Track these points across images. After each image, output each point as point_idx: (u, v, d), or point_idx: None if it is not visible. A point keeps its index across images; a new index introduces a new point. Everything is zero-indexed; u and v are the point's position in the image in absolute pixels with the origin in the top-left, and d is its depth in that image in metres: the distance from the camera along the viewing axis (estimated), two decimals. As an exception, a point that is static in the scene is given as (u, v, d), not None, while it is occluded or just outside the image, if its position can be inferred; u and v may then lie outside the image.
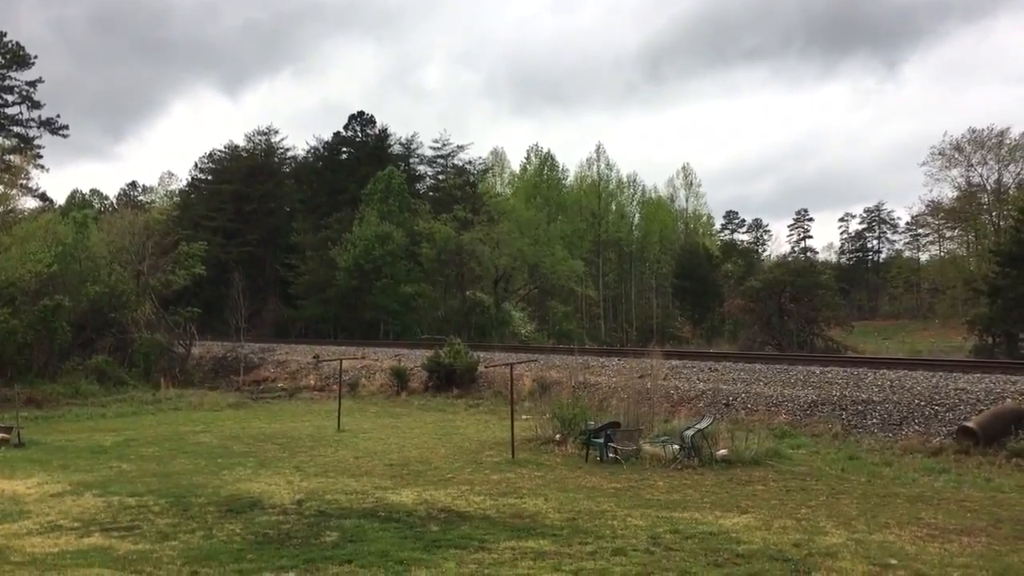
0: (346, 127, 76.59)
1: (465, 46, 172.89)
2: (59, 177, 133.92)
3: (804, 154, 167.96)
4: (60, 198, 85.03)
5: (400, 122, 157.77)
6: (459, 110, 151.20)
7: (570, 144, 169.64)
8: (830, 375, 23.19)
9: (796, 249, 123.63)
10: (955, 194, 77.64)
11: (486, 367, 30.90)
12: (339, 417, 23.27)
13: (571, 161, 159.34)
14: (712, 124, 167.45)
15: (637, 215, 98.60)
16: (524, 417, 20.80)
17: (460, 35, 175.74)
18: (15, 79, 67.89)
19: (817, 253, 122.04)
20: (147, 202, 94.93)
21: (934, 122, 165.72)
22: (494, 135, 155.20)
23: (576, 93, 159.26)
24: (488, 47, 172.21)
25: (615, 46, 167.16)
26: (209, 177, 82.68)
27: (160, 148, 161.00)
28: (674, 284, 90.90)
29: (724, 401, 22.67)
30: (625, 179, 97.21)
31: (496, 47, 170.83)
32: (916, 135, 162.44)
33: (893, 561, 8.82)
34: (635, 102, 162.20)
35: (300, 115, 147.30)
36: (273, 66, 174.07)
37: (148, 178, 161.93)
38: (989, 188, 75.83)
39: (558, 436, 18.25)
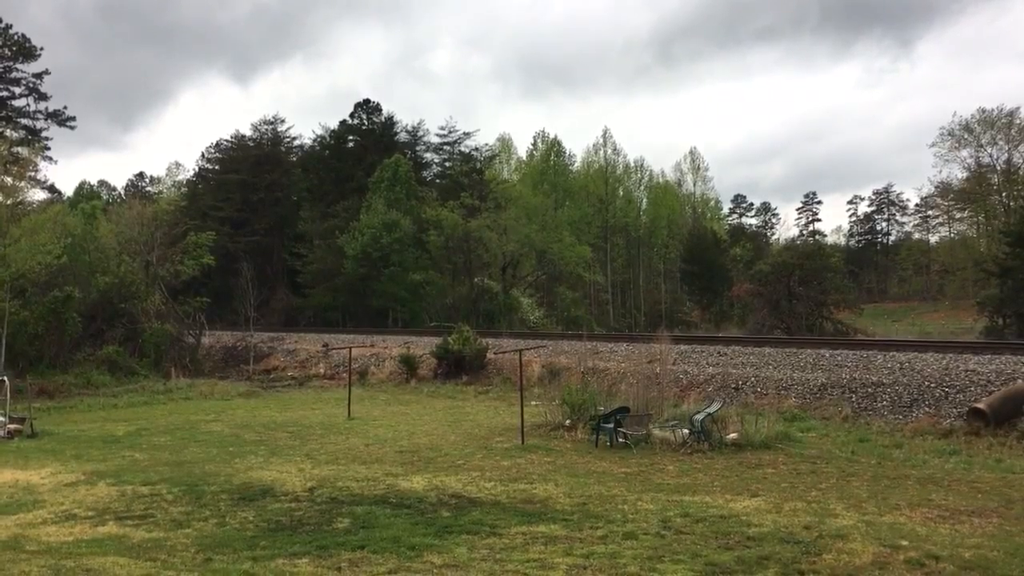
0: (352, 115, 76.56)
1: (474, 29, 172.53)
2: (68, 168, 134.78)
3: (815, 136, 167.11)
4: (69, 189, 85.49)
5: (409, 107, 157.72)
6: (468, 94, 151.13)
7: (578, 128, 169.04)
8: (839, 358, 23.17)
9: (804, 232, 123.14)
10: (965, 175, 77.33)
11: (495, 353, 30.96)
12: (349, 405, 23.36)
13: (580, 145, 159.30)
14: (723, 106, 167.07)
15: (644, 200, 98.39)
16: (533, 403, 20.87)
17: (469, 18, 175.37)
18: (22, 71, 68.00)
19: (826, 236, 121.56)
20: (155, 193, 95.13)
21: (948, 101, 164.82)
22: (502, 119, 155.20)
23: (585, 76, 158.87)
24: (497, 30, 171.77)
25: (626, 28, 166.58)
26: (216, 167, 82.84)
27: (170, 137, 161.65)
28: (682, 269, 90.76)
29: (733, 385, 22.66)
30: (632, 164, 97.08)
31: (505, 30, 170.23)
32: (930, 115, 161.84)
33: (904, 543, 8.82)
34: (645, 85, 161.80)
35: (310, 102, 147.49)
36: (283, 52, 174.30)
37: (158, 168, 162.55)
38: (999, 168, 75.41)
39: (568, 422, 18.29)
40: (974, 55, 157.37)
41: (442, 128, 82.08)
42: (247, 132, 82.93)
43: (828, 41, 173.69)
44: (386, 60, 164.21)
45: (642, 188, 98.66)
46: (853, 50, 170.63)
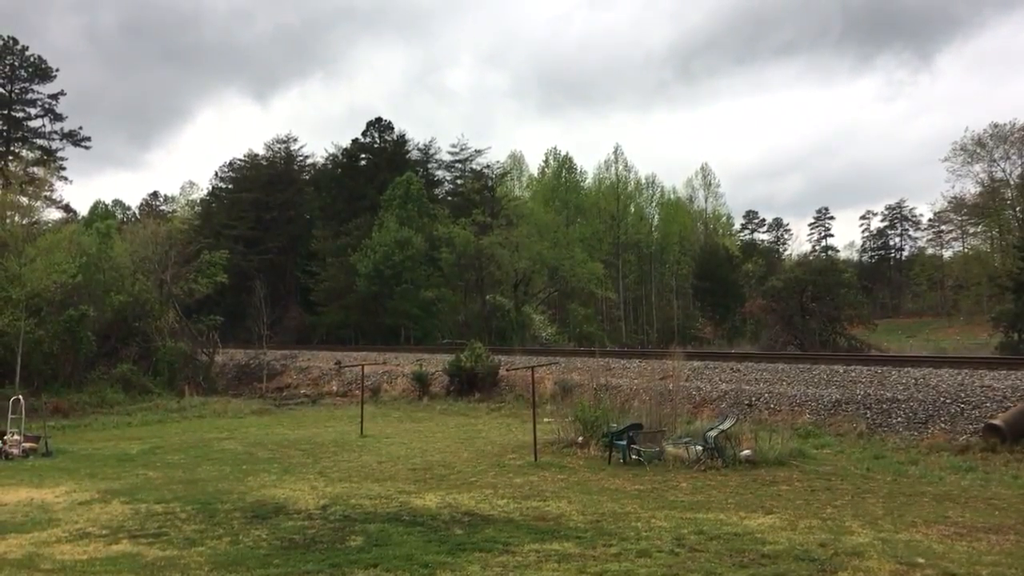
0: (364, 133, 76.97)
1: (494, 45, 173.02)
2: (86, 187, 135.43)
3: (833, 151, 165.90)
4: (87, 208, 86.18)
5: (426, 124, 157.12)
6: (485, 111, 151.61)
7: (595, 144, 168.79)
8: (854, 374, 23.03)
9: (817, 248, 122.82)
10: (978, 190, 77.01)
11: (507, 370, 30.91)
12: (362, 422, 23.36)
13: (598, 161, 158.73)
14: (742, 122, 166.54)
15: (656, 216, 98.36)
16: (546, 420, 20.84)
17: (489, 34, 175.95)
18: (38, 92, 68.85)
19: (838, 251, 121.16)
20: (169, 212, 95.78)
21: (968, 116, 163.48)
22: (519, 136, 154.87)
23: (604, 93, 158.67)
24: (517, 46, 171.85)
25: (647, 44, 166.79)
26: (230, 186, 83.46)
27: (188, 156, 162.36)
28: (694, 285, 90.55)
29: (747, 401, 22.57)
30: (644, 180, 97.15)
31: (525, 46, 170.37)
32: (949, 129, 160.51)
33: (920, 560, 8.75)
34: (663, 101, 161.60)
35: (329, 119, 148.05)
36: (303, 70, 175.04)
37: (176, 186, 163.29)
38: (1012, 183, 75.05)
39: (580, 438, 18.24)
40: (995, 69, 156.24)
41: (454, 146, 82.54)
42: (261, 151, 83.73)
43: (849, 55, 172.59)
44: (405, 77, 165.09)
45: (654, 204, 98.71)
46: (873, 64, 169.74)
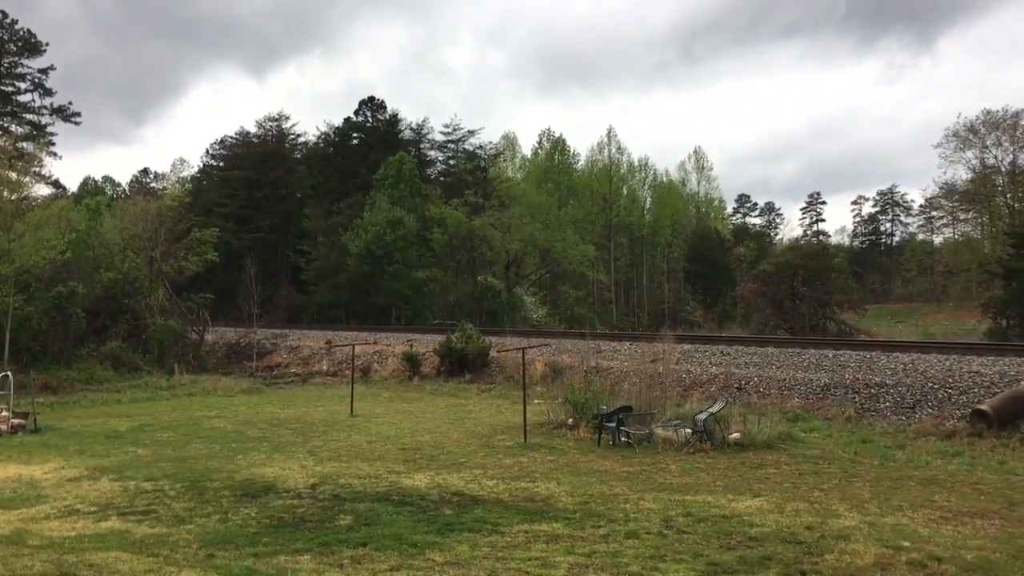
0: (357, 112, 76.66)
1: (495, 23, 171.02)
2: (78, 163, 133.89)
3: (832, 135, 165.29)
4: (76, 185, 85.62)
5: (424, 103, 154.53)
6: (484, 91, 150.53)
7: (593, 126, 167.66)
8: (843, 358, 23.14)
9: (808, 232, 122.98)
10: (970, 176, 77.24)
11: (498, 352, 30.94)
12: (352, 402, 23.36)
13: (596, 142, 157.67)
14: (741, 105, 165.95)
15: (648, 199, 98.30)
16: (536, 401, 20.88)
17: (490, 11, 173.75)
18: (27, 66, 68.21)
19: (829, 236, 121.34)
20: (159, 189, 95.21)
21: (969, 100, 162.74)
22: (518, 116, 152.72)
23: (604, 73, 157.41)
24: (518, 24, 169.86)
25: (648, 23, 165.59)
26: (220, 163, 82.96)
27: (183, 131, 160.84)
28: (686, 268, 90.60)
29: (736, 385, 22.64)
30: (636, 163, 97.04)
31: (527, 24, 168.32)
32: (949, 114, 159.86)
33: (906, 544, 8.81)
34: (664, 82, 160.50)
35: (327, 97, 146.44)
36: (301, 46, 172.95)
37: (170, 162, 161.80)
38: (1004, 170, 75.36)
39: (570, 420, 18.29)
40: (997, 54, 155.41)
41: (447, 126, 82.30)
42: (253, 129, 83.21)
43: (852, 38, 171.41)
44: (403, 55, 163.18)
45: (646, 187, 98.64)
46: (875, 46, 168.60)
